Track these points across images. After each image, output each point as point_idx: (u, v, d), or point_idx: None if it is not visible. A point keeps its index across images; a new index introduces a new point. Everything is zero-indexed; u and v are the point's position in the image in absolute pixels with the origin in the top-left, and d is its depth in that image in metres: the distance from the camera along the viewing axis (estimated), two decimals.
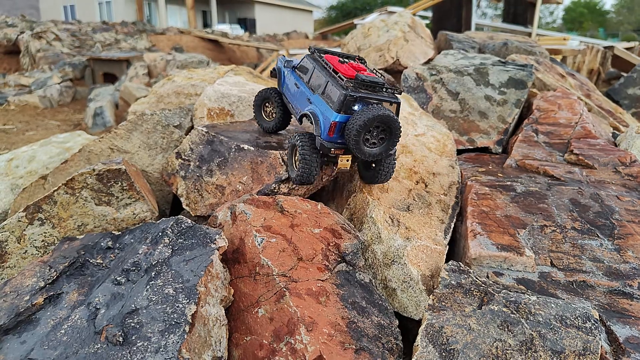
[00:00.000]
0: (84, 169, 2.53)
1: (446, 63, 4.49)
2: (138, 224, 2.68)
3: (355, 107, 2.27)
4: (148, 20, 31.94)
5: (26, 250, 2.48)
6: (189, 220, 2.18)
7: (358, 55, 2.78)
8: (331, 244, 2.20)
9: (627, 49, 14.78)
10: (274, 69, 3.00)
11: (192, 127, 3.53)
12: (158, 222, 2.23)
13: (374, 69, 2.60)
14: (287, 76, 2.84)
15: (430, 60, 4.80)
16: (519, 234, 2.64)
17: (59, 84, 11.01)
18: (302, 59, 2.72)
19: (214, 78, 4.24)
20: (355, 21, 23.53)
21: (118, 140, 3.11)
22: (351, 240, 2.27)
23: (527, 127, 3.75)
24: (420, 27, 5.46)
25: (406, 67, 4.44)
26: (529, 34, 18.69)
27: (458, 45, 5.30)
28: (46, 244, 2.51)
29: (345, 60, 2.61)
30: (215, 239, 2.07)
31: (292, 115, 2.98)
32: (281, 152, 2.71)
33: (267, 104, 3.06)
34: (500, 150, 3.63)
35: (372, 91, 2.31)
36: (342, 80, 2.30)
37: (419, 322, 2.39)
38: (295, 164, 2.53)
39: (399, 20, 5.19)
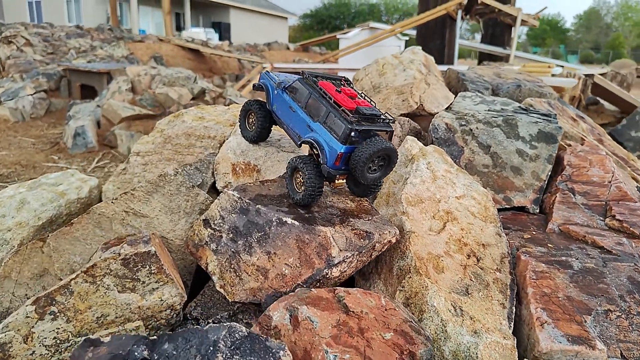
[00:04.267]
0: (107, 253, 2.18)
1: (467, 108, 4.33)
2: (165, 310, 2.33)
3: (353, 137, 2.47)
4: (119, 21, 30.82)
5: (34, 351, 2.10)
6: (244, 329, 1.87)
7: (344, 77, 2.95)
8: (405, 353, 1.94)
9: (601, 74, 15.26)
10: (258, 84, 3.10)
11: (214, 183, 3.20)
12: (205, 328, 1.91)
13: (363, 93, 2.76)
14: (277, 96, 2.94)
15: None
16: (585, 321, 2.45)
17: (32, 95, 10.31)
18: (293, 81, 2.82)
19: (228, 120, 3.92)
20: (338, 35, 23.54)
21: (135, 203, 2.76)
22: (425, 345, 2.01)
23: (562, 185, 3.60)
24: (432, 65, 5.31)
25: (430, 113, 4.25)
26: (508, 56, 19.12)
27: (472, 87, 5.16)
28: (58, 341, 2.13)
29: (337, 84, 2.78)
30: (279, 356, 1.76)
31: (275, 129, 3.21)
32: (331, 229, 2.43)
33: (250, 115, 3.19)
34: (537, 210, 3.47)
35: (371, 123, 2.50)
36: (347, 114, 2.45)
37: None
38: (296, 186, 2.67)
39: (414, 58, 5.02)
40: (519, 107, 4.45)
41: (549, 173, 3.66)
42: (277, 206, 2.65)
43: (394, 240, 2.59)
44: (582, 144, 4.23)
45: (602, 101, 14.47)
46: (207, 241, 2.63)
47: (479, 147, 3.72)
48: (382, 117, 2.61)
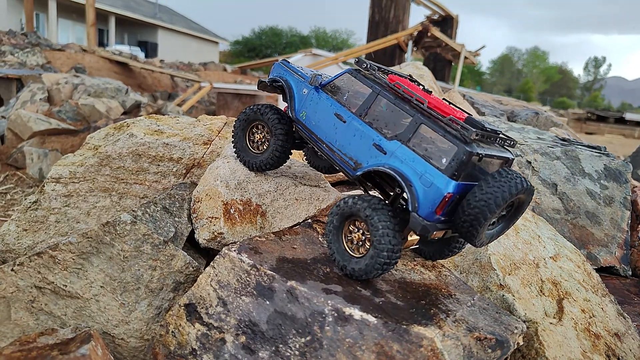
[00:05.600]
0: None
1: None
2: None
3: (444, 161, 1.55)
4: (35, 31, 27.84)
5: None
6: None
7: (409, 75, 1.97)
8: None
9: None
10: (270, 79, 2.14)
11: (192, 233, 1.97)
12: None
13: (446, 98, 1.84)
14: (310, 98, 1.91)
15: None
16: None
17: None
18: (338, 75, 1.91)
19: (201, 136, 2.71)
20: (279, 59, 22.77)
21: (58, 272, 1.47)
22: None
23: None
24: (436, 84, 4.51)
25: None
26: (450, 90, 19.44)
27: (487, 112, 4.40)
28: None
29: (421, 84, 1.89)
30: None
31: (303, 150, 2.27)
32: (437, 331, 1.34)
33: (255, 129, 2.10)
34: (630, 272, 2.63)
35: (489, 144, 1.64)
36: (458, 125, 1.56)
37: None
38: (347, 246, 1.66)
39: (422, 73, 4.19)
40: (556, 136, 3.71)
41: (629, 221, 2.87)
42: (321, 282, 1.51)
43: (521, 342, 1.55)
44: None
45: (631, 155, 14.84)
46: (194, 349, 1.40)
47: (544, 185, 2.84)
48: (503, 135, 1.65)
